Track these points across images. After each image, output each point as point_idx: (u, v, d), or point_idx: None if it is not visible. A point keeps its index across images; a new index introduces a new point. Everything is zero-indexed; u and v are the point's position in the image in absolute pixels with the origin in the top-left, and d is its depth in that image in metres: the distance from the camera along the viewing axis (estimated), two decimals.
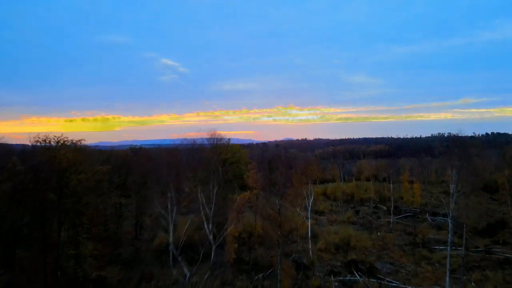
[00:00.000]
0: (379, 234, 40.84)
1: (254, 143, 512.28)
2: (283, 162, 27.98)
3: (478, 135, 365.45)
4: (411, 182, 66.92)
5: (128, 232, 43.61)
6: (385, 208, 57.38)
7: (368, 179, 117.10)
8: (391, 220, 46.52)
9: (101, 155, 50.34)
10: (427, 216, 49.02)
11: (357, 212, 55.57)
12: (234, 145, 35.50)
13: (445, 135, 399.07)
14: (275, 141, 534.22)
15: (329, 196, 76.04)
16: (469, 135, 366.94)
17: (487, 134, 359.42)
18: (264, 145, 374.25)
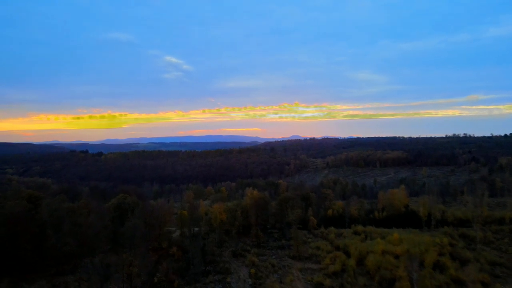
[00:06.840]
0: None
1: (260, 141, 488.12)
2: None
3: (496, 136, 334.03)
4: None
5: None
6: None
7: (402, 217, 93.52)
8: None
9: None
10: None
11: None
12: None
13: (461, 136, 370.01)
14: (282, 139, 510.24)
15: (372, 273, 51.47)
16: (487, 136, 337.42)
17: (505, 135, 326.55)
18: (272, 151, 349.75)
